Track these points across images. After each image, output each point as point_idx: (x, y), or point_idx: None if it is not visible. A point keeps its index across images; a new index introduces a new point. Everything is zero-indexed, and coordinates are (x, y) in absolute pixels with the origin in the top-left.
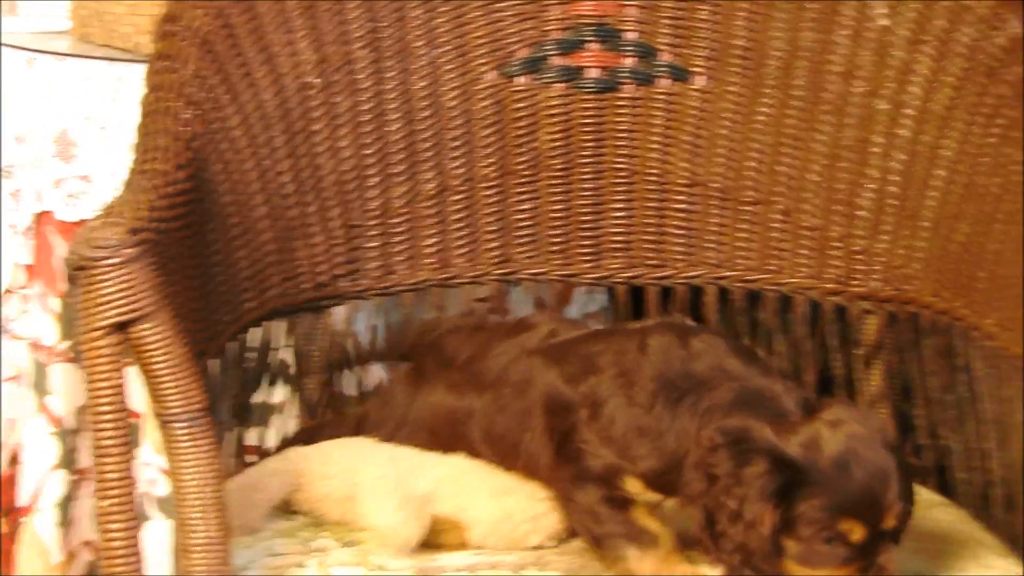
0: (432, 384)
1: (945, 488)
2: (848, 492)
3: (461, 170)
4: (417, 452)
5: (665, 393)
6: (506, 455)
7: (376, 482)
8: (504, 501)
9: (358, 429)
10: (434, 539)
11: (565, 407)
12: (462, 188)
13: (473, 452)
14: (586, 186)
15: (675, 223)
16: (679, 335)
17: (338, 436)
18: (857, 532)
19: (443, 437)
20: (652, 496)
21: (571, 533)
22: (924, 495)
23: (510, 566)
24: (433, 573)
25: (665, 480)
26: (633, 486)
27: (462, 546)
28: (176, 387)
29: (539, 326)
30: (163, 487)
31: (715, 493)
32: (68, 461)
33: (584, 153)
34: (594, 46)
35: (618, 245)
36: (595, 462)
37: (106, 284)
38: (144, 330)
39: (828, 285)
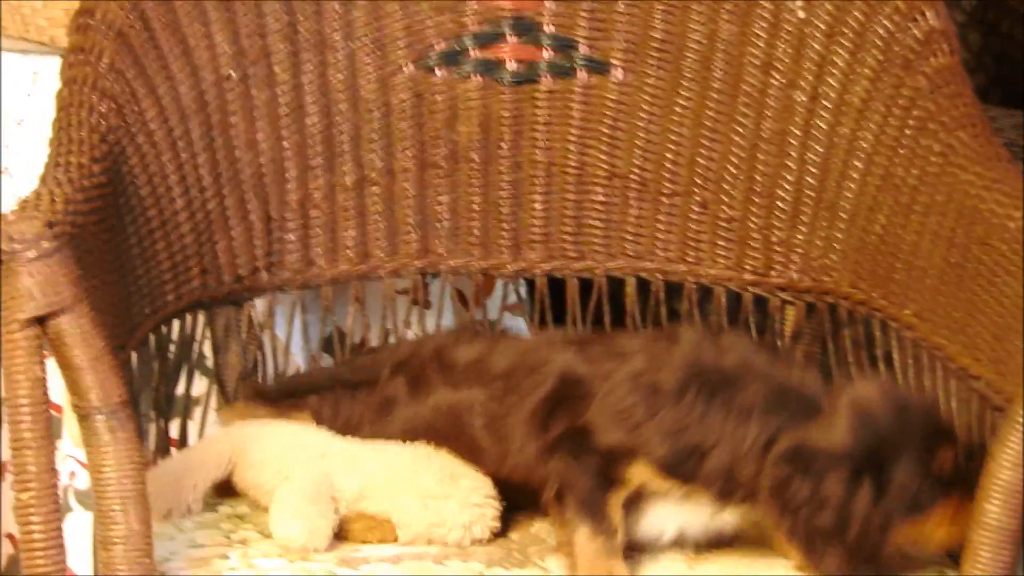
0: (434, 387)
1: None
2: (919, 432)
3: (380, 163)
4: (355, 445)
5: (697, 385)
6: (501, 435)
7: (289, 485)
8: (436, 506)
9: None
10: (362, 536)
11: (578, 382)
12: (381, 181)
13: (474, 444)
14: (505, 179)
15: (594, 215)
16: (708, 331)
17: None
18: (950, 457)
19: (443, 431)
20: (661, 484)
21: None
22: None
23: (433, 557)
24: (356, 563)
25: (681, 469)
26: (640, 472)
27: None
28: (95, 380)
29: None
30: (84, 480)
31: (804, 518)
32: None
33: (503, 146)
34: (512, 39)
35: (537, 237)
36: (603, 439)
37: (23, 278)
38: (62, 323)
39: (747, 276)
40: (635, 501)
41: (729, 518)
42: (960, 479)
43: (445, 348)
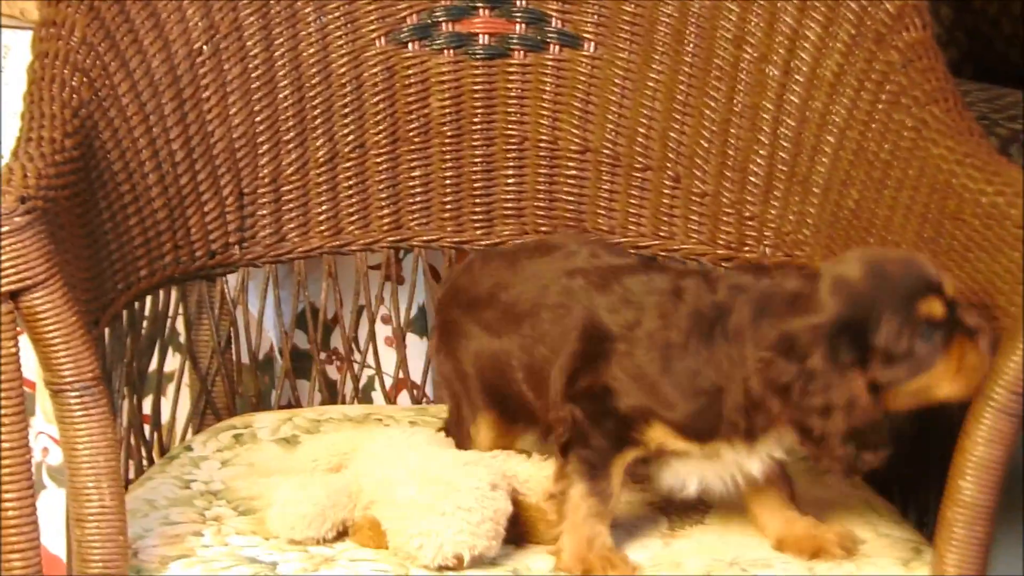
0: (467, 330)
1: None
2: (899, 288)
3: (352, 137)
4: (397, 448)
5: (697, 327)
6: (542, 390)
7: (300, 477)
8: (402, 512)
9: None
10: (364, 539)
11: (601, 337)
12: (353, 155)
13: (520, 395)
14: (477, 153)
15: (566, 189)
16: (701, 273)
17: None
18: (937, 306)
19: (495, 386)
20: (681, 444)
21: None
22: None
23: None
24: (319, 558)
25: (701, 426)
26: (658, 433)
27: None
28: (68, 356)
29: (567, 246)
30: (57, 456)
31: (796, 403)
32: None
33: (475, 120)
34: (484, 12)
35: (510, 211)
36: (621, 402)
37: None
38: (35, 299)
39: (720, 251)
40: (658, 455)
41: (753, 466)
42: (956, 325)
43: (465, 284)
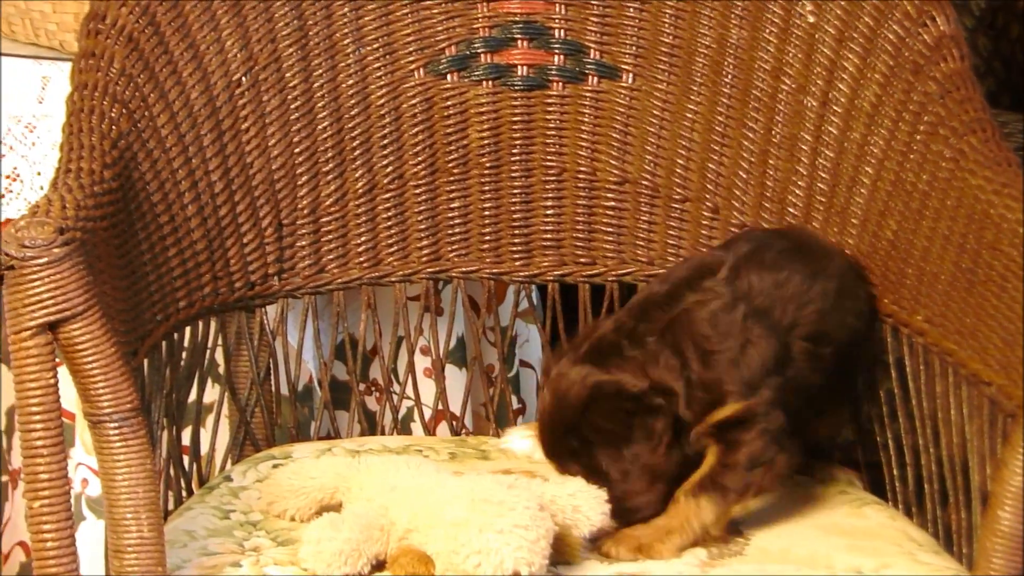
0: None
1: (878, 484)
2: None
3: (390, 168)
4: (429, 479)
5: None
6: None
7: (332, 514)
8: (456, 532)
9: None
10: (404, 569)
11: None
12: (392, 186)
13: None
14: (516, 184)
15: (605, 221)
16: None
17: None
18: None
19: None
20: None
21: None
22: (857, 493)
23: None
24: None
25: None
26: None
27: None
28: (107, 387)
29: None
30: (96, 488)
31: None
32: (0, 462)
33: (513, 151)
34: (523, 44)
35: (548, 243)
36: None
37: (34, 284)
38: (74, 330)
39: None
40: None
41: None
42: None
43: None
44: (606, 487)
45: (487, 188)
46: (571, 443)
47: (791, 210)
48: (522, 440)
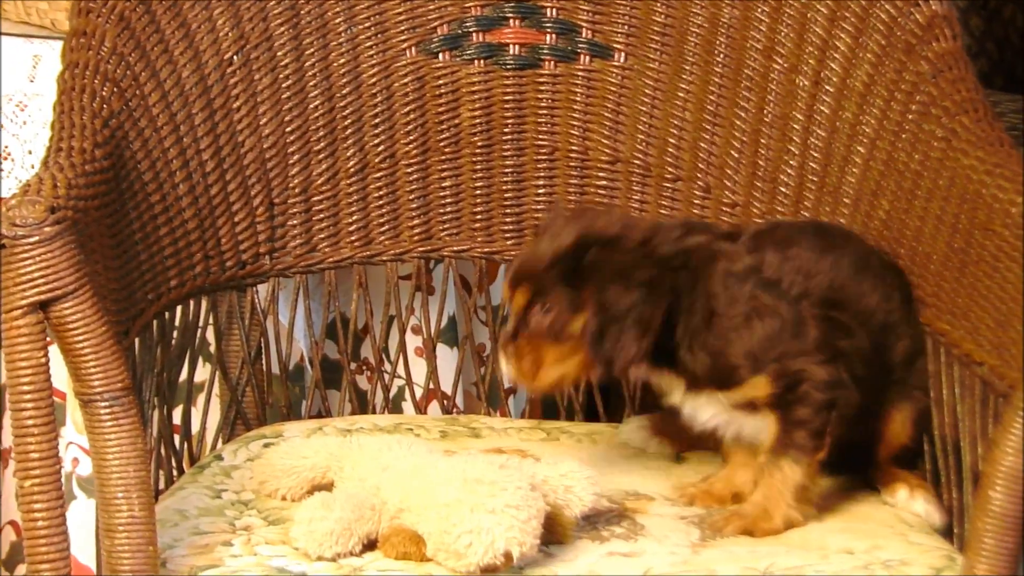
0: None
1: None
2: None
3: (382, 147)
4: (419, 459)
5: None
6: None
7: (324, 493)
8: (448, 512)
9: None
10: (395, 549)
11: None
12: (383, 165)
13: None
14: (507, 163)
15: (597, 200)
16: None
17: None
18: (505, 294)
19: None
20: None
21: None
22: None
23: None
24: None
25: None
26: None
27: (422, 559)
28: (98, 366)
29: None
30: (87, 467)
31: None
32: None
33: (505, 130)
34: (515, 23)
35: (540, 222)
36: None
37: (26, 263)
38: (65, 309)
39: None
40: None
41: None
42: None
43: None
44: (592, 325)
45: (479, 167)
46: (565, 271)
47: (783, 189)
48: (638, 431)
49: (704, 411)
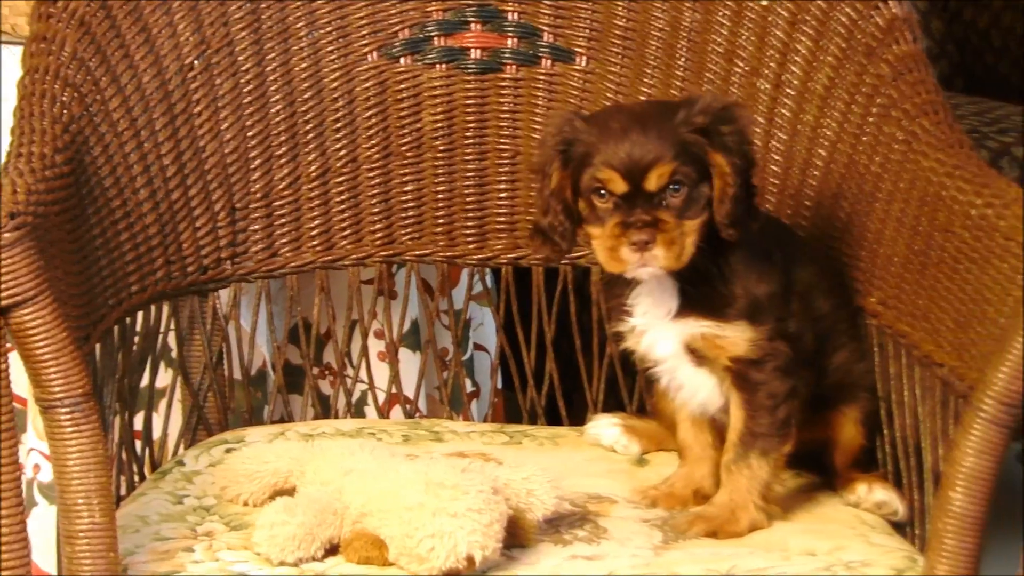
0: None
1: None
2: (610, 153)
3: (344, 152)
4: (384, 463)
5: None
6: None
7: (285, 498)
8: (410, 516)
9: None
10: (357, 553)
11: None
12: (345, 170)
13: None
14: (469, 167)
15: None
16: None
17: None
18: (617, 184)
19: None
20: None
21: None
22: (810, 478)
23: None
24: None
25: None
26: None
27: (385, 564)
28: (58, 372)
29: None
30: (48, 473)
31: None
32: None
33: (467, 134)
34: (476, 27)
35: (502, 226)
36: None
37: None
38: (25, 315)
39: None
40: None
41: None
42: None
43: None
44: (734, 188)
45: (440, 171)
46: (686, 142)
47: None
48: (609, 428)
49: (662, 345)
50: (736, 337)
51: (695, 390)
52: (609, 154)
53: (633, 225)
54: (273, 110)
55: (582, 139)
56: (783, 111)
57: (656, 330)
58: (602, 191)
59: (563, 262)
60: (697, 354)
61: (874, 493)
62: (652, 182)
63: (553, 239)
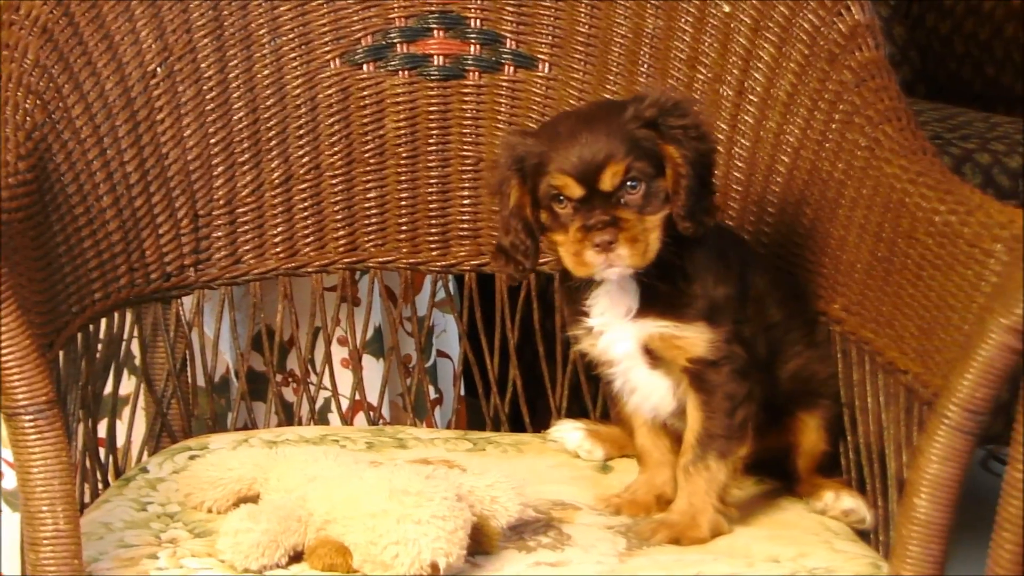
0: None
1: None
2: (562, 158)
3: (307, 159)
4: (347, 470)
5: None
6: None
7: (249, 505)
8: (374, 523)
9: None
10: (321, 561)
11: None
12: (308, 177)
13: None
14: (432, 174)
15: None
16: None
17: None
18: (572, 188)
19: None
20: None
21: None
22: (773, 484)
23: None
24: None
25: None
26: None
27: (349, 571)
28: (22, 379)
29: None
30: (12, 480)
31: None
32: None
33: (430, 141)
34: (439, 34)
35: (466, 233)
36: None
37: None
38: None
39: None
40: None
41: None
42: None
43: None
44: (689, 180)
45: (404, 178)
46: (638, 139)
47: None
48: (573, 432)
49: (619, 346)
50: (695, 338)
51: (648, 393)
52: (561, 160)
53: (594, 227)
54: (236, 117)
55: (533, 151)
56: (746, 117)
57: (614, 330)
58: (560, 197)
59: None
60: (653, 355)
61: (841, 501)
62: (607, 181)
63: (516, 258)
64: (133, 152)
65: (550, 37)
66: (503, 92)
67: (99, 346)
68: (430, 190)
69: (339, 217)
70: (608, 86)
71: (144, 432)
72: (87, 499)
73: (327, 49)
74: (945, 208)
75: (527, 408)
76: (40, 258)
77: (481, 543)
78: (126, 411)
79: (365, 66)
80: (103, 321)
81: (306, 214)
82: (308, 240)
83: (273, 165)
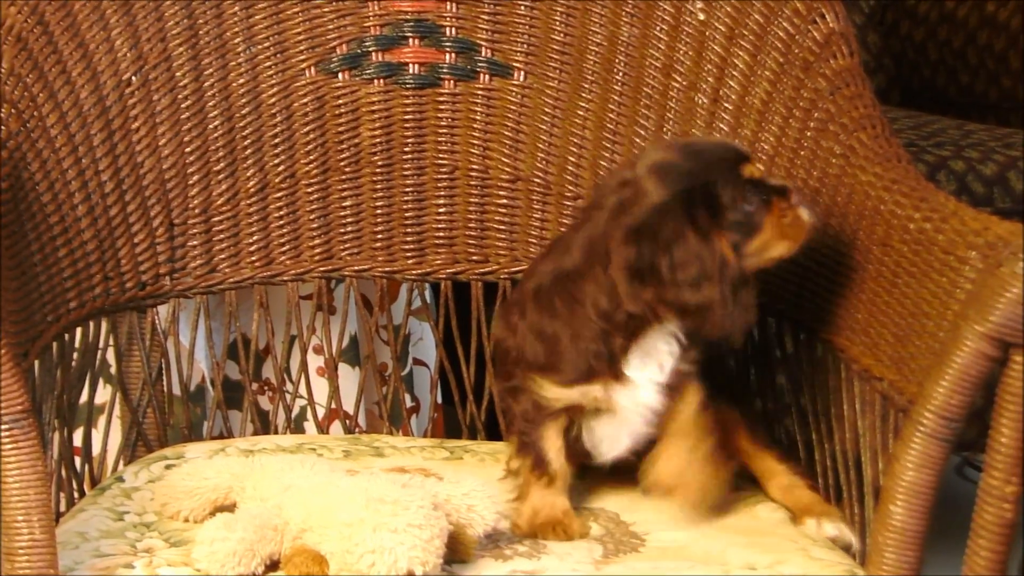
0: None
1: None
2: (717, 158)
3: (282, 167)
4: (323, 478)
5: (552, 282)
6: None
7: (225, 514)
8: (350, 531)
9: None
10: (298, 569)
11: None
12: (284, 185)
13: None
14: (408, 182)
15: (498, 218)
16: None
17: None
18: (755, 168)
19: None
20: (560, 392)
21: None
22: (751, 491)
23: None
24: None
25: (564, 367)
26: (538, 385)
27: None
28: None
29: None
30: None
31: (670, 280)
32: None
33: (406, 149)
34: (414, 42)
35: (441, 241)
36: (516, 365)
37: None
38: None
39: None
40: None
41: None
42: (768, 188)
43: None
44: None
45: (379, 187)
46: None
47: None
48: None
49: (656, 376)
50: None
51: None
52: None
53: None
54: (211, 125)
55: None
56: (721, 126)
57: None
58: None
59: (502, 276)
60: None
61: (823, 529)
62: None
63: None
64: (108, 161)
65: (525, 45)
66: (478, 100)
67: (74, 355)
68: (406, 198)
69: (315, 225)
70: (583, 95)
71: (120, 441)
72: (63, 508)
73: (302, 58)
74: (920, 215)
75: (503, 417)
76: (14, 267)
77: (457, 551)
78: (102, 420)
79: (340, 74)
80: (78, 330)
81: (281, 222)
82: (284, 248)
83: (248, 173)
